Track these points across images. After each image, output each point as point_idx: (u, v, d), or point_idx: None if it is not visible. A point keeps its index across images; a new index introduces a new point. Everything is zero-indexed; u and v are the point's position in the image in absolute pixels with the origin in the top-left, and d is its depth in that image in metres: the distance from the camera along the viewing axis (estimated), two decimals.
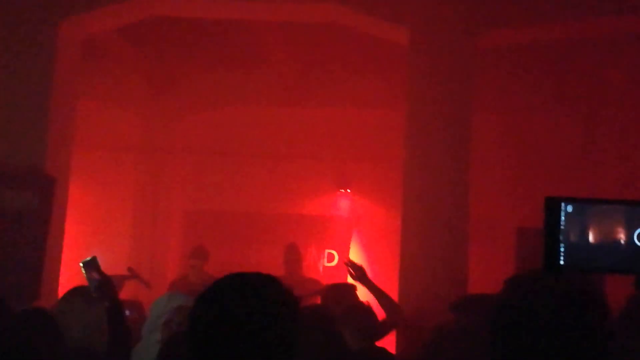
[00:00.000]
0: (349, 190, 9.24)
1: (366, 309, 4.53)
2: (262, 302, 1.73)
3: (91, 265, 3.67)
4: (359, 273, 5.39)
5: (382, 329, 4.83)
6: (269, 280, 1.81)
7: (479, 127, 6.69)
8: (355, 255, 8.93)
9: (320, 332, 3.44)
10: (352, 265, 5.52)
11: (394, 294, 5.93)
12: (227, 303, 1.72)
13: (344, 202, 9.27)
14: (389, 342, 5.25)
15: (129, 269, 7.07)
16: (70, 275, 5.99)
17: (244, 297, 1.73)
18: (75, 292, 3.86)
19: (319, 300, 5.70)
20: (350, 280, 5.68)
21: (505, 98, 8.51)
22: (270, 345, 1.71)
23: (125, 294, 5.88)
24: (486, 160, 7.82)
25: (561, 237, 1.82)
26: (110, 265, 5.34)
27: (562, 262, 1.80)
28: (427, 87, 6.30)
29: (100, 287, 3.61)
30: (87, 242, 8.49)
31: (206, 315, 1.72)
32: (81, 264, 3.66)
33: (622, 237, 1.82)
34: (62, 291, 6.26)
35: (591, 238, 1.84)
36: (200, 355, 1.70)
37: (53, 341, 3.36)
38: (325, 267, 8.94)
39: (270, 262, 8.40)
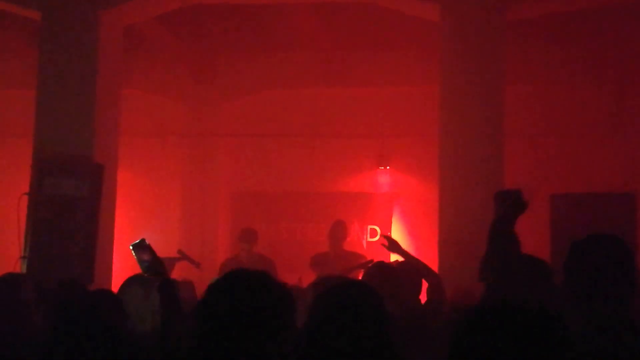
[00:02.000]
0: (388, 167, 9.34)
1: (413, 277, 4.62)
2: (263, 295, 1.89)
3: (141, 247, 3.74)
4: (392, 244, 5.52)
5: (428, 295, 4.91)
6: (266, 277, 1.98)
7: (512, 99, 6.71)
8: (397, 230, 9.05)
9: (367, 306, 3.52)
10: (387, 238, 5.66)
11: (434, 266, 6.03)
12: (235, 294, 1.88)
13: (384, 179, 9.37)
14: None
15: (179, 251, 7.30)
16: (122, 259, 6.23)
17: (249, 290, 1.89)
18: (133, 280, 4.02)
19: (361, 273, 5.85)
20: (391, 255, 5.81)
21: (537, 69, 8.47)
22: (270, 331, 1.85)
23: (176, 276, 6.08)
24: (519, 131, 7.83)
25: None
26: (161, 249, 5.53)
27: None
28: (459, 62, 6.35)
29: (151, 267, 3.71)
30: (138, 227, 8.75)
31: (215, 304, 1.88)
32: (131, 247, 3.76)
33: None
34: (115, 275, 6.54)
35: None
36: (207, 340, 1.85)
37: (122, 321, 3.46)
38: (368, 243, 9.08)
39: (315, 239, 8.59)
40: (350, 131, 9.20)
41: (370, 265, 5.86)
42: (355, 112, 9.25)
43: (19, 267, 5.87)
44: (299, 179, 9.31)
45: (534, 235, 5.12)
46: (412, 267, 4.77)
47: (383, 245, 5.61)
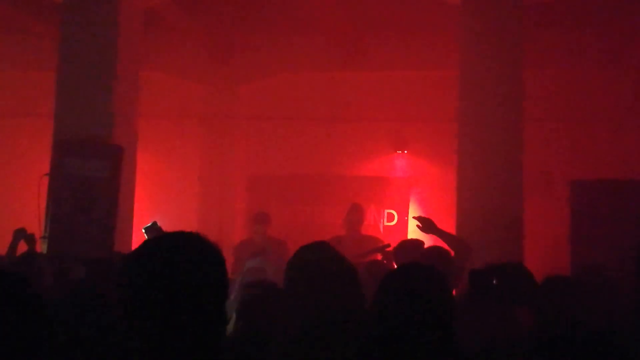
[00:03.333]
0: (405, 151, 9.32)
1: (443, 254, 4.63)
2: (189, 258, 1.76)
3: (153, 229, 3.81)
4: (427, 224, 5.50)
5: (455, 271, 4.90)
6: (193, 237, 1.84)
7: (532, 83, 6.68)
8: (414, 214, 9.05)
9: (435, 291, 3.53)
10: (420, 218, 5.62)
11: (452, 251, 6.04)
12: (157, 260, 1.75)
13: (402, 163, 9.37)
14: None
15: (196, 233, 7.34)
16: (141, 240, 6.29)
17: (172, 255, 1.76)
18: None
19: (379, 257, 5.87)
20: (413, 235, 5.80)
21: (557, 53, 8.40)
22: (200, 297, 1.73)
23: None
24: (538, 115, 7.79)
25: None
26: (180, 229, 5.59)
27: None
28: (478, 46, 6.32)
29: None
30: (156, 208, 8.81)
31: (137, 272, 1.75)
32: (143, 230, 3.82)
33: None
34: None
35: None
36: (133, 309, 1.72)
37: None
38: (385, 227, 9.09)
39: (331, 223, 8.60)
40: (368, 115, 9.19)
41: (387, 249, 5.90)
42: (373, 96, 9.24)
43: (40, 247, 5.95)
44: (316, 162, 9.32)
45: (553, 223, 5.15)
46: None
47: (418, 226, 5.59)
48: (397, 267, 2.77)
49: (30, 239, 5.69)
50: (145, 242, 1.87)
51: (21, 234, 5.74)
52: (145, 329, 1.71)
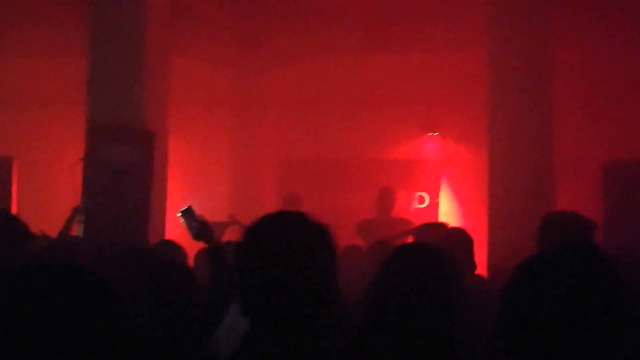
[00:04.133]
0: (436, 134, 9.28)
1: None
2: (300, 235, 1.85)
3: (188, 213, 3.86)
4: None
5: None
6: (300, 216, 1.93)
7: (562, 62, 6.59)
8: (445, 198, 9.03)
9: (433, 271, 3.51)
10: None
11: (483, 234, 6.02)
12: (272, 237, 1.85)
13: (432, 146, 9.33)
14: None
15: (230, 216, 7.44)
16: (175, 225, 6.36)
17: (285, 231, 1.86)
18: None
19: (410, 240, 5.87)
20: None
21: (588, 32, 8.26)
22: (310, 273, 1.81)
23: (227, 239, 6.20)
24: (569, 96, 7.68)
25: None
26: (212, 213, 5.66)
27: None
28: (508, 26, 6.26)
29: (200, 232, 3.81)
30: (188, 194, 8.89)
31: (253, 247, 1.86)
32: (179, 214, 3.87)
33: None
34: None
35: None
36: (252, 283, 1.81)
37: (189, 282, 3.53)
38: (416, 210, 9.08)
39: (361, 206, 8.61)
40: (398, 98, 9.15)
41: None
42: (404, 79, 9.18)
43: (75, 231, 6.06)
44: (346, 146, 9.32)
45: (586, 205, 5.06)
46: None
47: None
48: (397, 247, 2.71)
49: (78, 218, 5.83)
50: (265, 219, 1.94)
51: (78, 211, 5.87)
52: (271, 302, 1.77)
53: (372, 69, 9.34)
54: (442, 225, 5.33)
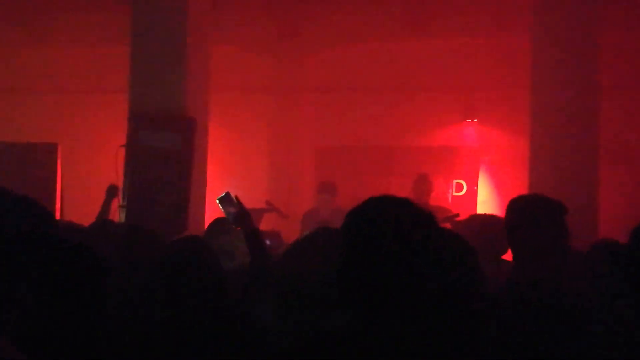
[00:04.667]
0: (475, 120, 9.21)
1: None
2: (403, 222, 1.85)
3: (226, 200, 3.92)
4: None
5: None
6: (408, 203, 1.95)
7: (607, 46, 6.48)
8: (484, 185, 8.97)
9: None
10: None
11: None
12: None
13: (471, 132, 9.27)
14: None
15: (267, 202, 7.49)
16: (214, 211, 6.44)
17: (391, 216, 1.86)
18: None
19: (448, 226, 5.84)
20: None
21: (634, 17, 8.10)
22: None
23: (264, 225, 6.26)
24: (616, 81, 7.56)
25: None
26: (249, 200, 5.71)
27: None
28: (552, 9, 6.16)
29: (238, 218, 3.86)
30: (227, 180, 8.97)
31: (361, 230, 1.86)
32: (217, 200, 3.93)
33: None
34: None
35: None
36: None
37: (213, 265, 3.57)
38: (454, 197, 9.04)
39: (398, 194, 8.58)
40: (436, 83, 9.10)
41: (456, 219, 5.86)
42: (442, 64, 9.13)
43: (118, 216, 6.18)
44: (383, 132, 9.31)
45: (631, 191, 5.00)
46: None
47: None
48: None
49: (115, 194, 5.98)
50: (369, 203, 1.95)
51: (113, 191, 6.00)
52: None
53: (411, 54, 9.29)
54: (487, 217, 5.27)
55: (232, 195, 3.99)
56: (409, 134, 9.21)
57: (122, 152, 6.46)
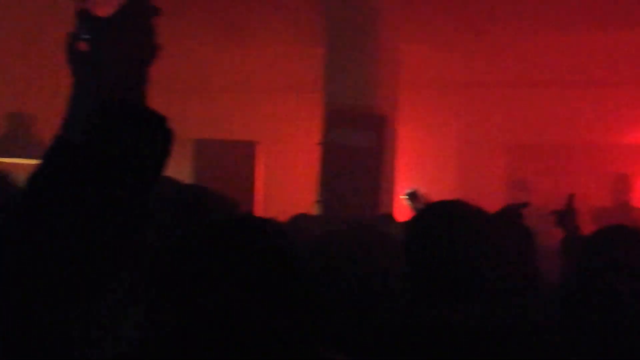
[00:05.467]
0: None
1: None
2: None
3: (414, 196, 4.04)
4: None
5: None
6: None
7: None
8: None
9: None
10: None
11: None
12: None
13: None
14: None
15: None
16: (401, 206, 6.55)
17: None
18: None
19: None
20: None
21: None
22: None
23: None
24: None
25: None
26: (438, 198, 5.73)
27: None
28: None
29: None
30: (415, 176, 9.05)
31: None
32: (405, 196, 4.05)
33: None
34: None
35: None
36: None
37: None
38: None
39: (596, 194, 8.24)
40: (633, 78, 8.58)
41: None
42: None
43: (314, 210, 6.47)
44: (578, 129, 8.93)
45: None
46: None
47: None
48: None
49: None
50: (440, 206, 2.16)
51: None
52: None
53: (610, 46, 8.83)
54: None
55: (420, 191, 4.10)
56: (606, 131, 8.77)
57: (318, 150, 6.75)
